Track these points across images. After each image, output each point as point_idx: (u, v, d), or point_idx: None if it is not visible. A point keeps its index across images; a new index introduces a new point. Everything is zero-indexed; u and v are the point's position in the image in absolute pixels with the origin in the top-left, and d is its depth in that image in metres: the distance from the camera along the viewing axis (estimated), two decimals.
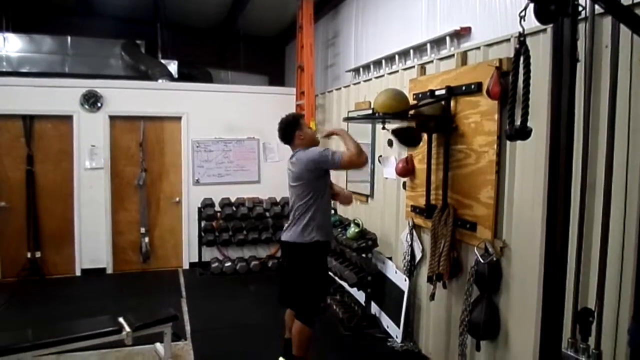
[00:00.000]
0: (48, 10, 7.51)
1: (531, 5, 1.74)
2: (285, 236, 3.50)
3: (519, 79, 1.86)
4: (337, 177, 5.20)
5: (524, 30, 1.77)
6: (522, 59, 1.81)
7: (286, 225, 3.56)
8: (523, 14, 1.75)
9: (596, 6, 2.09)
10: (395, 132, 3.70)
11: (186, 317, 4.82)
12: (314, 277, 3.44)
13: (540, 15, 1.74)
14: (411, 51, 4.24)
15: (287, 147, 3.62)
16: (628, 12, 1.76)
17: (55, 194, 6.20)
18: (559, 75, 1.77)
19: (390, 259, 4.47)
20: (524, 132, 1.81)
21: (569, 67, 1.75)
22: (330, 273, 4.52)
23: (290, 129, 3.50)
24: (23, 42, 6.81)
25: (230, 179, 6.75)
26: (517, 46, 1.80)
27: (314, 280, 3.45)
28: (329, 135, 3.87)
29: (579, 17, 1.77)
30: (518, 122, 1.85)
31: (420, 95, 3.76)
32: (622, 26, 2.04)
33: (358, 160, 3.37)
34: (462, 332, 3.21)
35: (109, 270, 6.38)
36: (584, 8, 1.83)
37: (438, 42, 3.87)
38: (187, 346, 4.16)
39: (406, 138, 3.69)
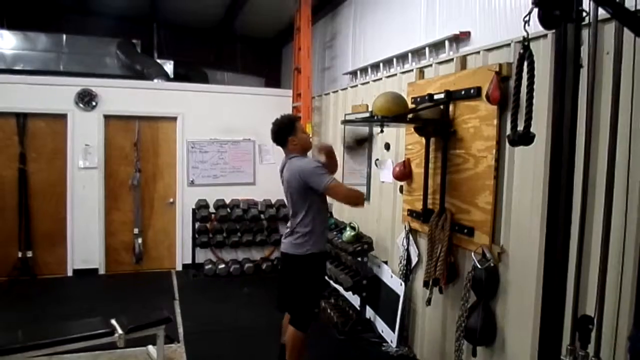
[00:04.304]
0: (43, 7, 7.45)
1: (535, 10, 1.73)
2: (283, 246, 3.48)
3: (522, 83, 1.85)
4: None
5: (528, 34, 1.76)
6: (525, 63, 1.80)
7: (285, 231, 3.54)
8: (527, 18, 1.73)
9: (598, 12, 2.08)
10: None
11: (179, 319, 4.78)
12: (309, 286, 3.43)
13: (544, 20, 1.73)
14: (410, 55, 4.23)
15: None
16: (634, 17, 1.75)
17: (48, 193, 6.13)
18: (562, 80, 1.76)
19: (386, 263, 4.46)
20: (527, 138, 1.80)
21: (572, 72, 1.74)
22: (325, 277, 4.49)
23: (284, 133, 3.41)
24: (18, 40, 6.74)
25: (225, 181, 6.70)
26: (522, 51, 1.79)
27: (309, 289, 3.44)
28: (322, 151, 3.59)
29: (582, 23, 1.76)
30: (520, 127, 1.84)
31: (418, 99, 3.76)
32: (624, 33, 2.04)
33: (347, 195, 3.34)
34: (458, 337, 3.20)
35: (102, 271, 6.32)
36: (588, 14, 1.83)
37: (437, 46, 3.86)
38: (180, 349, 4.13)
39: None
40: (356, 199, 3.41)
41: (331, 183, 3.22)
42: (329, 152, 3.58)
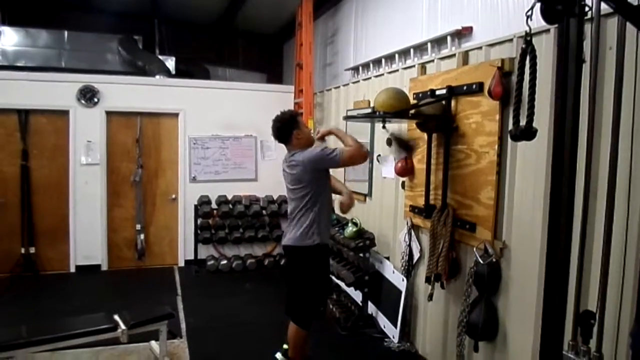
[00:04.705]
0: (45, 4, 7.45)
1: (537, 5, 1.73)
2: (287, 240, 3.44)
3: (525, 79, 1.84)
4: (335, 172, 5.15)
5: (530, 29, 1.75)
6: (528, 58, 1.80)
7: (286, 228, 3.52)
8: (530, 13, 1.73)
9: (601, 6, 2.08)
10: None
11: (182, 315, 4.80)
12: (315, 280, 3.40)
13: (546, 15, 1.73)
14: (411, 50, 4.22)
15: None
16: (637, 12, 1.75)
17: (50, 189, 6.15)
18: (564, 75, 1.75)
19: (387, 258, 4.46)
20: (529, 133, 1.80)
21: (575, 67, 1.74)
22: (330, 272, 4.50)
23: (288, 128, 3.37)
24: (19, 36, 6.74)
25: (227, 177, 6.71)
26: (524, 46, 1.79)
27: (315, 284, 3.40)
28: (324, 135, 3.68)
29: (585, 18, 1.75)
30: (522, 123, 1.84)
31: (420, 95, 3.75)
32: (627, 28, 2.03)
33: (358, 154, 3.29)
34: (460, 332, 3.20)
35: (104, 267, 6.34)
36: (590, 8, 1.82)
37: (439, 42, 3.85)
38: (183, 344, 4.14)
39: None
40: (365, 151, 3.39)
41: (343, 154, 3.22)
42: (330, 133, 3.61)
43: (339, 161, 3.27)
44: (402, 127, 4.20)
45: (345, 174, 5.47)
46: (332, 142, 5.99)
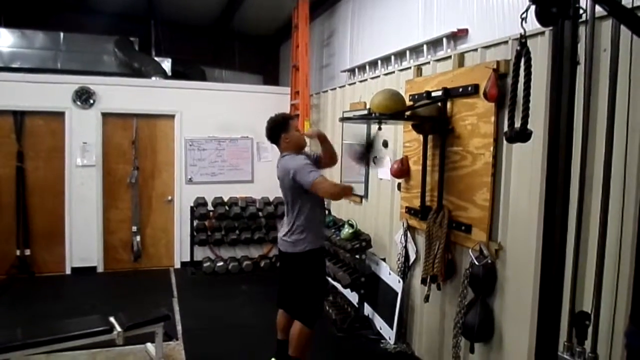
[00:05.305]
0: (41, 5, 7.43)
1: (532, 8, 1.74)
2: (281, 244, 3.48)
3: (520, 81, 1.85)
4: (332, 172, 5.17)
5: (525, 32, 1.76)
6: (522, 60, 1.81)
7: (281, 229, 3.55)
8: (524, 15, 1.74)
9: (595, 9, 2.09)
10: None
11: (178, 316, 4.78)
12: (312, 283, 3.44)
13: (541, 17, 1.74)
14: (407, 52, 4.23)
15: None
16: (630, 15, 1.76)
17: (46, 191, 6.13)
18: (559, 77, 1.76)
19: (384, 260, 4.46)
20: (524, 135, 1.81)
21: (569, 69, 1.75)
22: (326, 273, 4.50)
23: (277, 130, 3.46)
24: (15, 37, 6.73)
25: (224, 178, 6.71)
26: (519, 48, 1.80)
27: (313, 286, 3.44)
28: (312, 136, 3.74)
29: (579, 20, 1.77)
30: (517, 125, 1.85)
31: (416, 97, 3.76)
32: (621, 30, 2.05)
33: (334, 193, 3.37)
34: (456, 334, 3.21)
35: (100, 269, 6.32)
36: (585, 11, 1.83)
37: (434, 44, 3.86)
38: (179, 346, 4.13)
39: None
40: (339, 194, 3.43)
41: (316, 180, 3.17)
42: (321, 137, 3.64)
43: (311, 184, 3.16)
44: (397, 128, 4.21)
45: (341, 175, 5.48)
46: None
